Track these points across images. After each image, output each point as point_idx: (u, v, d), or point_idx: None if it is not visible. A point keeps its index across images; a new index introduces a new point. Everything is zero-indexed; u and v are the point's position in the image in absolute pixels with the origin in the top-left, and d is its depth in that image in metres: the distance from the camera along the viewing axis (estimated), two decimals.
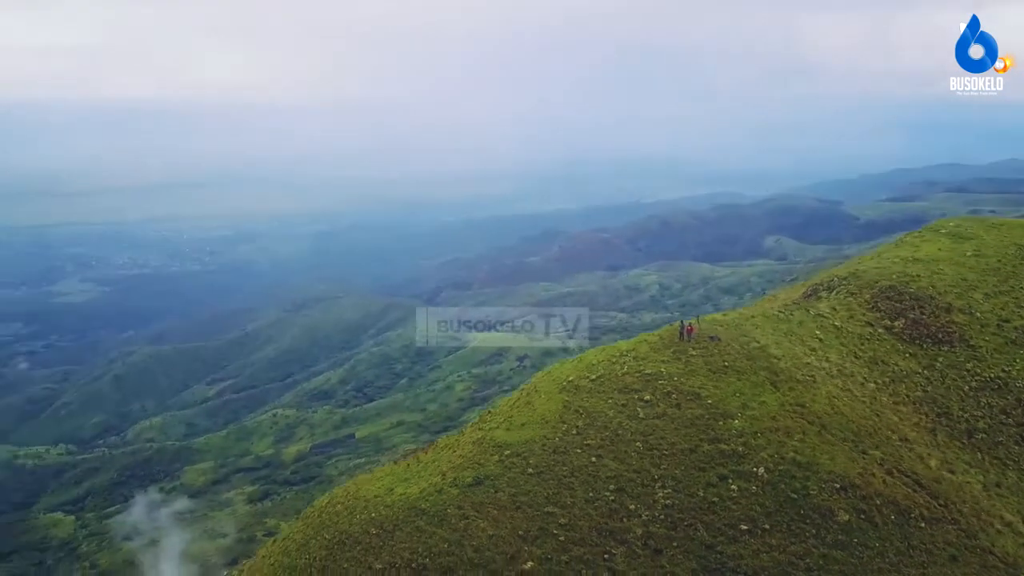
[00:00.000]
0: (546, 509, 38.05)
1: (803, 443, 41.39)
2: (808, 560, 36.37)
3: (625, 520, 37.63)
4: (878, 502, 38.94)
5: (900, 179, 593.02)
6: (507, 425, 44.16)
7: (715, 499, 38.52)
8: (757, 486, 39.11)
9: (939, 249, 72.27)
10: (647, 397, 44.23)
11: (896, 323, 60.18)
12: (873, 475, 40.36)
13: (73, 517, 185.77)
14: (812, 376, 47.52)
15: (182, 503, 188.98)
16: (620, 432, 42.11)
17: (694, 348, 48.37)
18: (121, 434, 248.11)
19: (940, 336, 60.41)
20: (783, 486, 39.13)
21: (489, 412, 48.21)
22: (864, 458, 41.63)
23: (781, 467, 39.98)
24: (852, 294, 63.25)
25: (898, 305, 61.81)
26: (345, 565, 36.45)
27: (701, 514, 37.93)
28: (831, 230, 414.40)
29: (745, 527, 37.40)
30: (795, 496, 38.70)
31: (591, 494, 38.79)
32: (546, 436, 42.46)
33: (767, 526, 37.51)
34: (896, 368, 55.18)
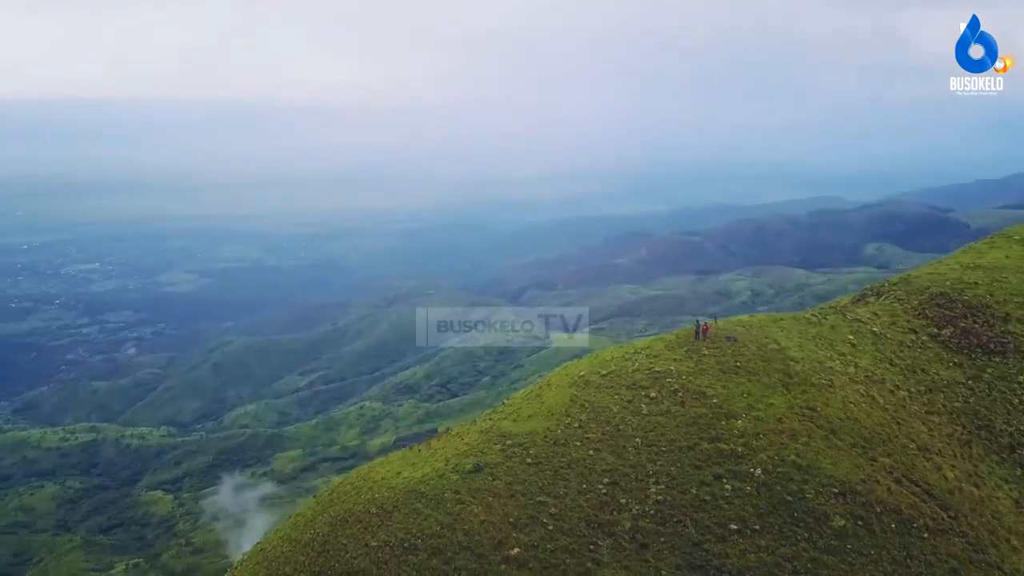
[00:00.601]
0: (539, 498, 39.06)
1: (807, 447, 40.94)
2: (796, 563, 36.10)
3: (615, 513, 38.25)
4: (878, 509, 38.20)
5: (1018, 185, 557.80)
6: (515, 416, 45.41)
7: (707, 497, 38.66)
8: (752, 487, 39.00)
9: (1007, 256, 69.08)
10: (653, 394, 44.62)
11: (944, 331, 58.11)
12: (877, 482, 39.57)
13: (171, 496, 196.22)
14: (830, 380, 46.69)
15: (269, 488, 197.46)
16: (621, 427, 42.69)
17: (708, 348, 48.34)
18: (218, 419, 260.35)
19: (992, 346, 57.97)
20: (779, 488, 38.89)
21: (503, 403, 49.57)
22: (871, 465, 40.81)
23: (780, 469, 39.72)
24: (899, 300, 61.43)
25: (948, 312, 59.65)
26: (344, 541, 38.47)
27: (691, 511, 38.16)
28: (939, 238, 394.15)
29: (735, 526, 37.42)
30: (790, 499, 38.41)
31: (584, 486, 39.57)
32: (549, 428, 43.47)
33: (758, 527, 37.40)
34: (936, 377, 53.39)
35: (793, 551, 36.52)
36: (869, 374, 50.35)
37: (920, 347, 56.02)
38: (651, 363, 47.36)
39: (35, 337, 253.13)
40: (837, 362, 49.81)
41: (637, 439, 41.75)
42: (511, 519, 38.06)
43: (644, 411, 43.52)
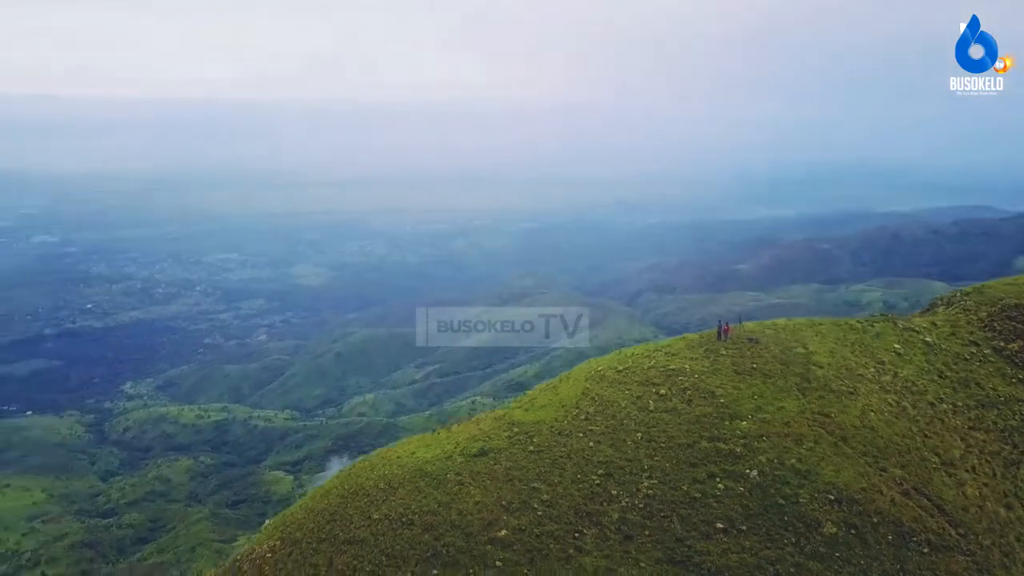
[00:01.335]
0: (533, 484, 40.36)
1: (811, 452, 40.22)
2: (779, 567, 35.74)
3: (604, 504, 39.05)
4: (875, 520, 37.16)
5: None
6: (528, 406, 46.86)
7: (697, 495, 38.79)
8: (745, 488, 38.80)
9: None
10: (662, 391, 44.92)
11: (1012, 345, 54.90)
12: (880, 492, 38.43)
13: (292, 477, 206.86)
14: (854, 388, 45.37)
15: None
16: (625, 422, 43.31)
17: (728, 348, 48.02)
18: (338, 406, 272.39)
19: None
20: (772, 491, 38.51)
21: (525, 393, 51.04)
22: (880, 475, 39.62)
23: (777, 472, 39.29)
24: (967, 310, 58.44)
25: (1020, 326, 56.22)
26: (351, 512, 41.19)
27: (679, 507, 38.42)
28: None
29: (721, 525, 37.40)
30: (782, 502, 37.98)
31: (579, 476, 40.55)
32: (556, 419, 44.66)
33: (744, 527, 37.25)
34: (992, 393, 50.65)
35: (778, 554, 36.19)
36: (909, 384, 48.43)
37: (980, 360, 53.19)
38: (667, 361, 47.64)
39: (177, 321, 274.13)
40: (871, 370, 48.21)
41: (638, 434, 42.31)
42: (504, 502, 39.61)
43: (651, 407, 43.97)
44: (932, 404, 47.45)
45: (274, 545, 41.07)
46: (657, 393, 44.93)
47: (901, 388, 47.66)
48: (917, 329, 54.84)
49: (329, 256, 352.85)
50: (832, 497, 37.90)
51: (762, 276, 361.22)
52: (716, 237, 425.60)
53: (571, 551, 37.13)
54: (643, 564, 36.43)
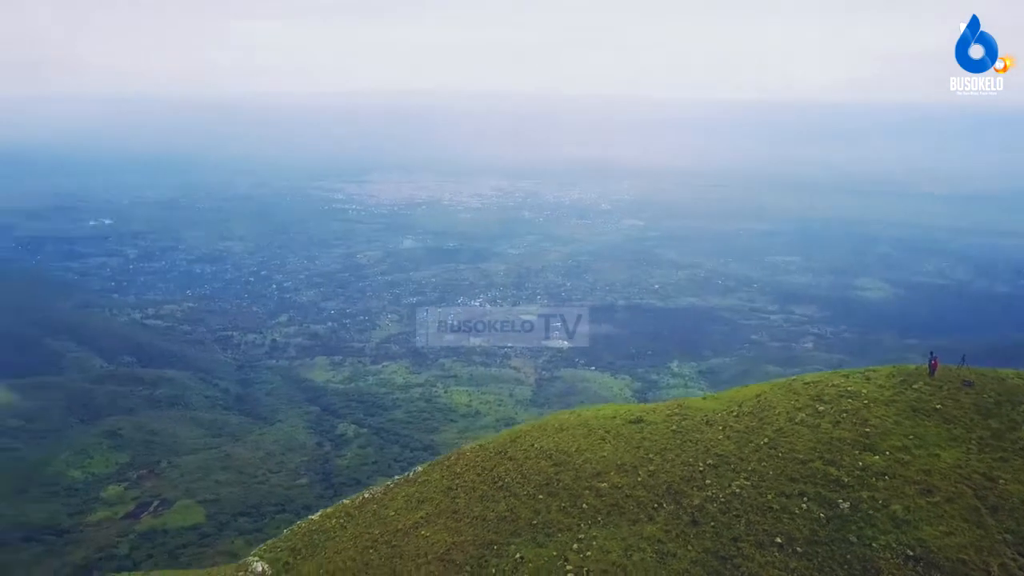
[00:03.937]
0: (650, 455, 43.14)
1: (929, 506, 34.34)
2: None
3: (694, 489, 40.00)
4: None
5: None
6: (711, 397, 48.14)
7: (775, 507, 36.99)
8: (826, 515, 35.60)
9: None
10: (821, 408, 41.74)
11: None
12: (985, 571, 31.39)
13: None
14: None
15: None
16: (765, 426, 42.03)
17: (926, 384, 41.11)
18: None
19: None
20: (852, 527, 34.65)
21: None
22: (1007, 558, 31.95)
23: (870, 512, 34.93)
24: None
25: None
26: (526, 439, 49.47)
27: (753, 512, 37.30)
28: None
29: (780, 541, 35.52)
30: (853, 540, 34.08)
31: (690, 460, 41.80)
32: (715, 410, 45.41)
33: (800, 550, 34.81)
34: None
35: None
36: None
37: None
38: (854, 384, 43.35)
39: (730, 313, 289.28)
40: None
41: (765, 439, 41.05)
42: (619, 462, 43.66)
43: (798, 419, 41.66)
44: None
45: (476, 448, 52.35)
46: (816, 409, 42.11)
47: None
48: None
49: (899, 272, 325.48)
50: (911, 553, 32.70)
51: None
52: None
53: (643, 517, 39.96)
54: (691, 548, 37.40)
